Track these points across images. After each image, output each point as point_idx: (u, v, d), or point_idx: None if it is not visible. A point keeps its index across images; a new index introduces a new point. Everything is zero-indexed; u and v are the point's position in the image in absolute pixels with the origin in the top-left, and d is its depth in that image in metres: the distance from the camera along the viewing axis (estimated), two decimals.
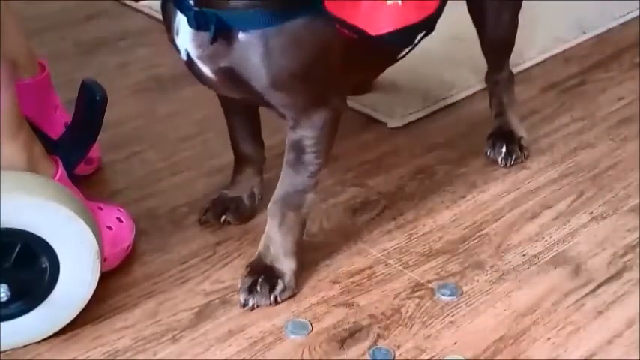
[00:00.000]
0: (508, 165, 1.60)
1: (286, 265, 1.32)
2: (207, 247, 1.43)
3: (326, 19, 1.20)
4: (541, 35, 2.00)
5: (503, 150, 1.60)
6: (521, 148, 1.61)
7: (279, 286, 1.31)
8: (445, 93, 1.81)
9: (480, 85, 1.82)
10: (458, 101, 1.80)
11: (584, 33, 2.04)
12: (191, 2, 1.19)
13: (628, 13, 2.11)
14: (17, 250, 1.20)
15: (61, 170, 1.32)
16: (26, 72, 1.48)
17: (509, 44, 1.62)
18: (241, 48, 1.19)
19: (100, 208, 1.38)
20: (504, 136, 1.62)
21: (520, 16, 1.60)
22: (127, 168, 1.62)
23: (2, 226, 1.18)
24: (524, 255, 1.41)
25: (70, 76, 1.57)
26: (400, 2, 1.26)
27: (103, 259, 1.28)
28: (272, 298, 1.30)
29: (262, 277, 1.31)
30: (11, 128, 1.25)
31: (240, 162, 1.49)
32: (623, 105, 1.78)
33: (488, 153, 1.61)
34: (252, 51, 1.19)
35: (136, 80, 1.88)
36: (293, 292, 1.32)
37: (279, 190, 1.32)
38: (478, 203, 1.52)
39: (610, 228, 1.46)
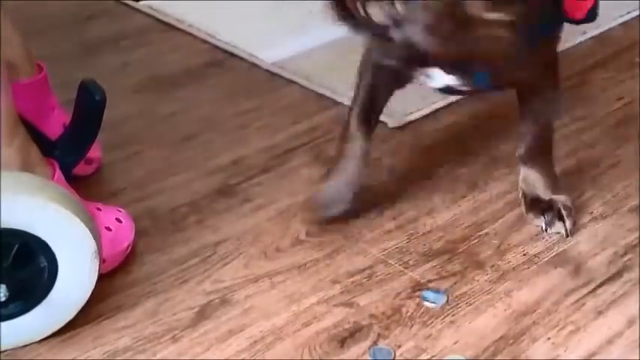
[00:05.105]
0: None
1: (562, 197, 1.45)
2: (207, 247, 1.43)
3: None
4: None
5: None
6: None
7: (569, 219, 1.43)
8: None
9: None
10: (458, 100, 1.80)
11: (584, 33, 2.03)
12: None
13: (628, 13, 2.11)
14: (15, 250, 1.20)
15: (58, 173, 1.32)
16: (24, 73, 1.48)
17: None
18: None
19: (99, 209, 1.38)
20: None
21: None
22: (127, 168, 1.62)
23: (0, 227, 1.18)
24: (524, 255, 1.41)
25: (71, 76, 1.57)
26: None
27: (102, 261, 1.28)
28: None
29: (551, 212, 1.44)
30: (7, 131, 1.25)
31: (353, 152, 1.44)
32: (623, 105, 1.78)
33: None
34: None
35: (136, 80, 1.88)
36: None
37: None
38: (478, 203, 1.52)
39: (610, 228, 1.46)
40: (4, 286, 1.21)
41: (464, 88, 1.36)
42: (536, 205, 1.46)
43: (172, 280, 1.36)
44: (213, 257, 1.41)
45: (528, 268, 1.38)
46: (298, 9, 2.08)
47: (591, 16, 1.36)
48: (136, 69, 1.92)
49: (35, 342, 1.25)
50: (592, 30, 2.04)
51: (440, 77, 1.31)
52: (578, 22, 1.37)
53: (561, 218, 1.44)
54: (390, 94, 1.46)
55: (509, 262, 1.39)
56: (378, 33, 1.17)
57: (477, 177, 1.58)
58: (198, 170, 1.61)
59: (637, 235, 1.44)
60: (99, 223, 1.32)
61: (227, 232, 1.46)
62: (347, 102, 1.69)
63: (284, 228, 1.46)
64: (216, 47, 1.99)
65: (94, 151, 1.55)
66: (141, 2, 2.17)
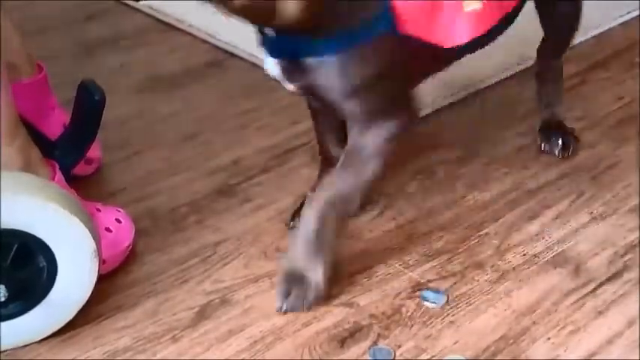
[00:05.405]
0: (565, 156, 1.61)
1: (319, 273, 1.29)
2: (207, 247, 1.43)
3: (396, 37, 1.24)
4: (541, 35, 2.00)
5: (560, 142, 1.61)
6: (575, 138, 1.64)
7: (312, 295, 1.29)
8: (445, 92, 1.81)
9: (480, 84, 1.82)
10: (457, 101, 1.80)
11: (584, 33, 2.03)
12: (272, 32, 1.24)
13: (628, 13, 2.11)
14: (14, 250, 1.20)
15: (59, 174, 1.32)
16: (24, 73, 1.48)
17: (573, 28, 1.63)
18: (315, 70, 1.24)
19: (99, 210, 1.38)
20: (557, 128, 1.64)
21: (520, 16, 1.59)
22: (127, 168, 1.62)
23: (0, 227, 1.18)
24: (524, 255, 1.41)
25: (70, 76, 1.57)
26: (480, 5, 1.29)
27: (102, 261, 1.28)
28: (305, 306, 1.30)
29: (296, 285, 1.29)
30: (7, 131, 1.25)
31: (326, 164, 1.47)
32: (623, 105, 1.78)
33: (543, 147, 1.63)
34: (325, 72, 1.24)
35: (136, 80, 1.88)
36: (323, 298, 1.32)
37: (327, 192, 1.30)
38: (478, 203, 1.52)
39: (610, 228, 1.46)
40: (3, 287, 1.21)
41: (289, 85, 1.30)
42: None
43: (172, 280, 1.36)
44: (213, 257, 1.41)
45: (528, 268, 1.38)
46: None
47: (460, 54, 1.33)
48: (136, 69, 1.92)
49: (35, 342, 1.25)
50: (592, 30, 2.04)
51: (269, 63, 1.29)
52: (452, 53, 1.32)
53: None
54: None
55: (509, 262, 1.39)
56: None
57: (476, 177, 1.58)
58: (198, 170, 1.61)
59: (637, 235, 1.44)
60: (99, 224, 1.32)
61: (227, 232, 1.46)
62: None
63: (284, 228, 1.46)
64: (216, 47, 1.99)
65: (94, 151, 1.55)
66: (141, 2, 2.17)
